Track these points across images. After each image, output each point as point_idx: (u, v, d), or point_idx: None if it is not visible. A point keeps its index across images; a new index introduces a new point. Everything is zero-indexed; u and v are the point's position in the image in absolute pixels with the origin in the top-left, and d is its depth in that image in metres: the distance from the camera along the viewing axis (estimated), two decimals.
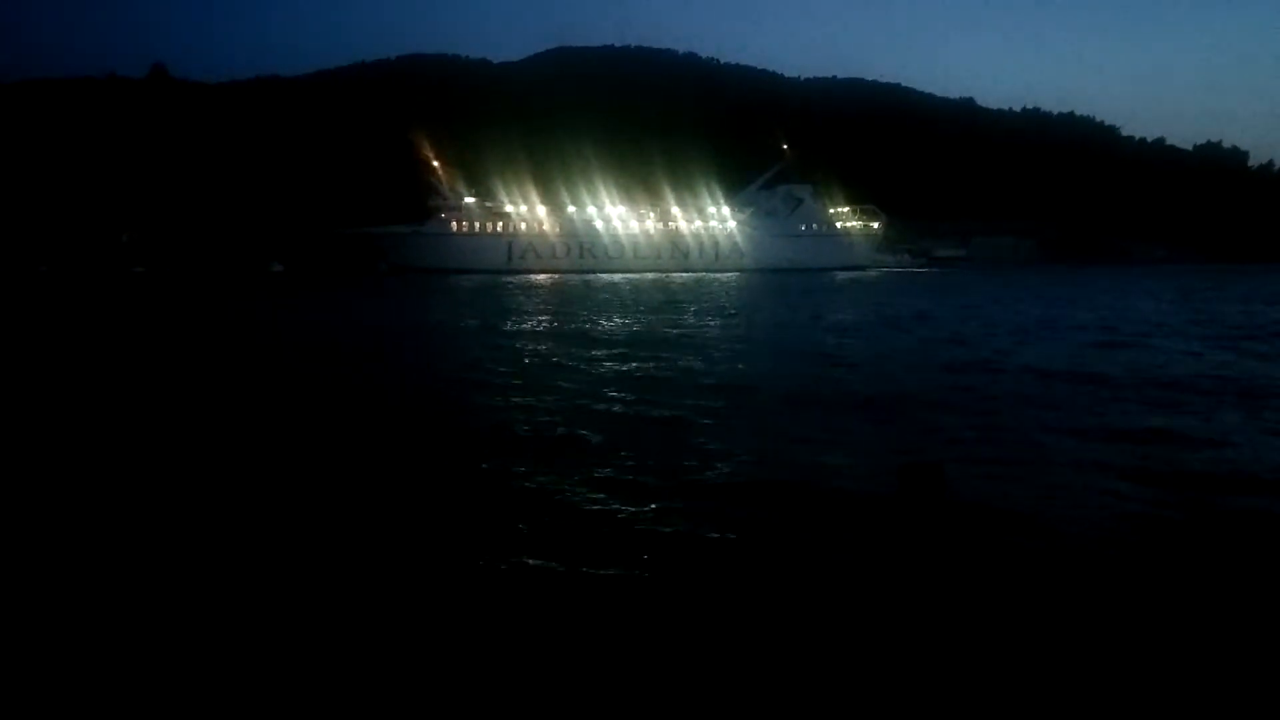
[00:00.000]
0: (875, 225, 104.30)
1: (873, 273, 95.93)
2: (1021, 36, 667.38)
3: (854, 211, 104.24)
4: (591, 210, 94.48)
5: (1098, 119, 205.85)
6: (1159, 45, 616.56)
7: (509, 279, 78.61)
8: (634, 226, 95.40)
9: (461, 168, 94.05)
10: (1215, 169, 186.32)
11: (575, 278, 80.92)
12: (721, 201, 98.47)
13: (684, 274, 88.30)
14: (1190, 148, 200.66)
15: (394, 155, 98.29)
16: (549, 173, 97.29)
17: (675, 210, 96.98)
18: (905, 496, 7.48)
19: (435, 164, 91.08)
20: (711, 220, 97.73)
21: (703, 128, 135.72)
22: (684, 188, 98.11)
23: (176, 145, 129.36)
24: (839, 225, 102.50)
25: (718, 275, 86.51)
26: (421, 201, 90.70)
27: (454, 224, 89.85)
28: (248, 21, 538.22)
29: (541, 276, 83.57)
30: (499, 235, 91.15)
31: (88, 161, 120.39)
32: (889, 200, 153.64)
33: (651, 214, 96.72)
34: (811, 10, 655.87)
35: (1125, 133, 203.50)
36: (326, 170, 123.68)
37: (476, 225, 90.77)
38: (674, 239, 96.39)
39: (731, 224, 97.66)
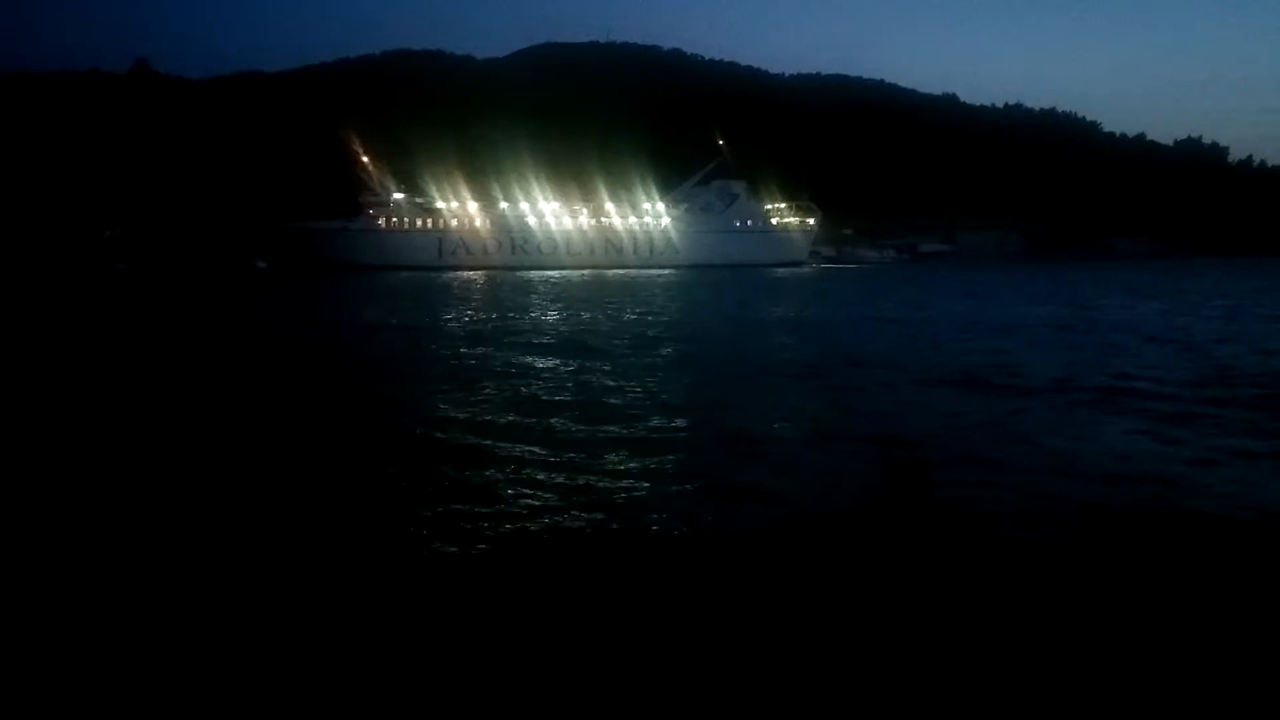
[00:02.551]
0: (811, 221, 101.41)
1: (807, 269, 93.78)
2: (1004, 34, 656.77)
3: (791, 207, 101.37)
4: (524, 206, 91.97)
5: (1079, 115, 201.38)
6: (1139, 42, 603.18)
7: (437, 276, 76.91)
8: (567, 223, 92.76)
9: (398, 163, 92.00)
10: (1195, 164, 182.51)
11: (504, 275, 79.06)
12: (656, 198, 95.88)
13: (617, 271, 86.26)
14: (1171, 143, 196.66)
15: (373, 151, 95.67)
16: (485, 168, 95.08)
17: (609, 206, 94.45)
18: (891, 494, 7.50)
19: (365, 159, 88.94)
20: (646, 216, 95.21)
21: (665, 124, 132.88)
22: (620, 184, 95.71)
23: (160, 141, 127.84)
24: (775, 221, 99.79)
25: (651, 272, 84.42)
26: (354, 197, 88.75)
27: (382, 220, 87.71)
28: (231, 17, 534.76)
29: (471, 273, 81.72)
30: (429, 231, 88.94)
31: (70, 158, 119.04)
32: (871, 196, 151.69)
33: (585, 210, 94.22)
34: (797, 7, 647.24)
35: (1106, 128, 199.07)
36: (309, 167, 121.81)
37: (406, 221, 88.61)
38: (607, 235, 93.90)
39: (666, 220, 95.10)
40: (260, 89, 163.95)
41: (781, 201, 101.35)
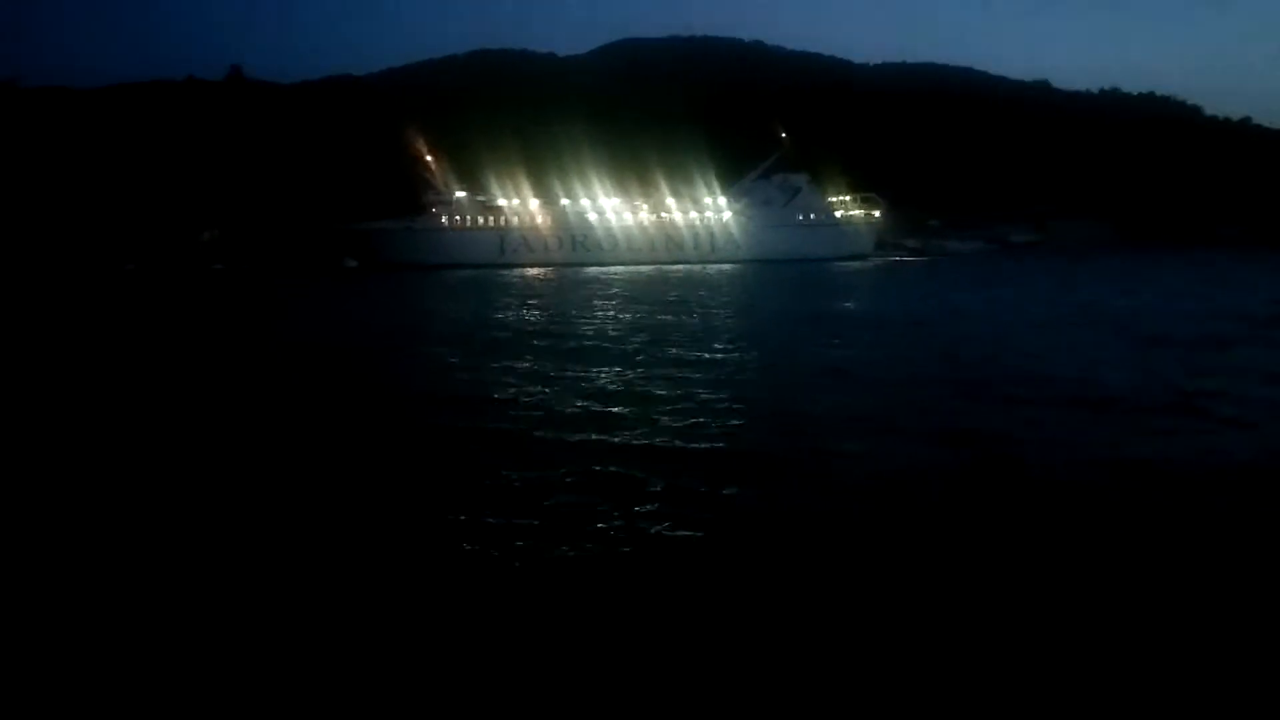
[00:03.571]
0: (876, 214, 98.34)
1: (872, 262, 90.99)
2: (1098, 16, 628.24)
3: (856, 200, 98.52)
4: (585, 202, 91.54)
5: (1179, 99, 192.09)
6: (1242, 21, 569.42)
7: (500, 273, 77.38)
8: (628, 218, 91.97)
9: (471, 161, 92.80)
10: None
11: (565, 271, 79.03)
12: (718, 192, 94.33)
13: (678, 266, 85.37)
14: (1279, 128, 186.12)
15: (440, 151, 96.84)
16: (547, 165, 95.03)
17: (670, 201, 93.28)
18: None
19: (429, 158, 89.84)
20: (707, 211, 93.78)
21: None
22: (681, 179, 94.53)
23: (253, 145, 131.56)
24: (839, 214, 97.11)
25: (712, 268, 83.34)
26: (416, 196, 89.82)
27: (445, 218, 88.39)
28: (322, 23, 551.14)
29: (532, 270, 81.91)
30: (491, 229, 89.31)
31: (170, 163, 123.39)
32: (959, 186, 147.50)
33: (645, 205, 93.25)
34: None
35: (1209, 113, 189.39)
36: (389, 167, 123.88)
37: (468, 219, 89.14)
38: (668, 231, 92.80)
39: (727, 215, 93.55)
40: (348, 92, 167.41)
41: (847, 194, 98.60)
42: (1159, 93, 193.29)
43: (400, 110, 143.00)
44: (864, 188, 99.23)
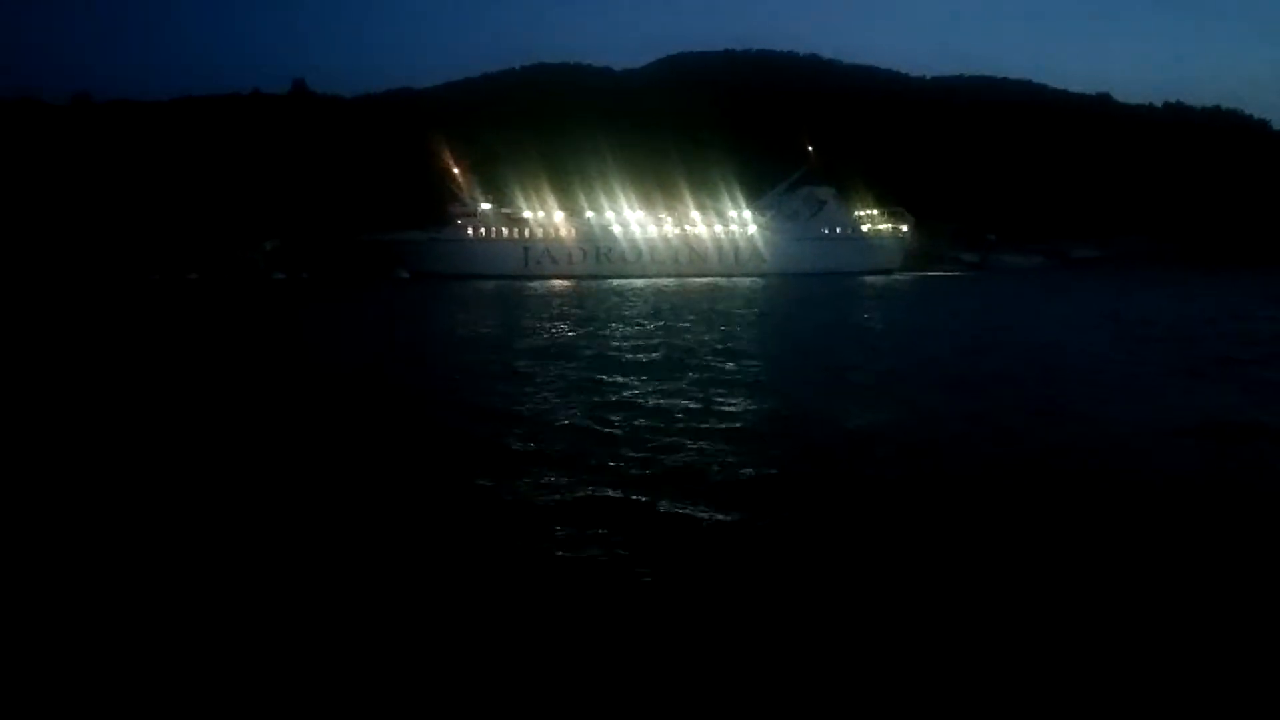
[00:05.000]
0: (904, 228, 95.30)
1: (900, 277, 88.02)
2: (1161, 28, 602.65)
3: (883, 214, 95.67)
4: (609, 215, 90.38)
5: (1246, 112, 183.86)
6: None
7: (524, 285, 76.74)
8: (652, 231, 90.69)
9: (492, 175, 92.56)
10: None
11: (587, 284, 78.08)
12: (743, 205, 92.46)
13: (702, 279, 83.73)
14: None
15: (483, 164, 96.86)
16: (573, 177, 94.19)
17: (695, 214, 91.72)
18: None
19: (455, 170, 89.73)
20: (732, 224, 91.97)
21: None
22: (706, 192, 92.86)
23: (316, 157, 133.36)
24: (866, 228, 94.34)
25: (738, 281, 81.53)
26: (442, 206, 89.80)
27: (470, 230, 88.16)
28: (382, 37, 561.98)
29: (556, 282, 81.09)
30: (515, 241, 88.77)
31: (234, 174, 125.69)
32: (1017, 200, 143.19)
33: (669, 218, 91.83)
34: (940, 8, 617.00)
35: (1277, 127, 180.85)
36: (438, 178, 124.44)
37: (493, 231, 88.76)
38: (691, 243, 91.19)
39: (752, 228, 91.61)
40: (407, 105, 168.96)
41: (875, 208, 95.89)
42: (1225, 106, 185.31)
43: (448, 123, 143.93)
44: (911, 201, 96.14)
